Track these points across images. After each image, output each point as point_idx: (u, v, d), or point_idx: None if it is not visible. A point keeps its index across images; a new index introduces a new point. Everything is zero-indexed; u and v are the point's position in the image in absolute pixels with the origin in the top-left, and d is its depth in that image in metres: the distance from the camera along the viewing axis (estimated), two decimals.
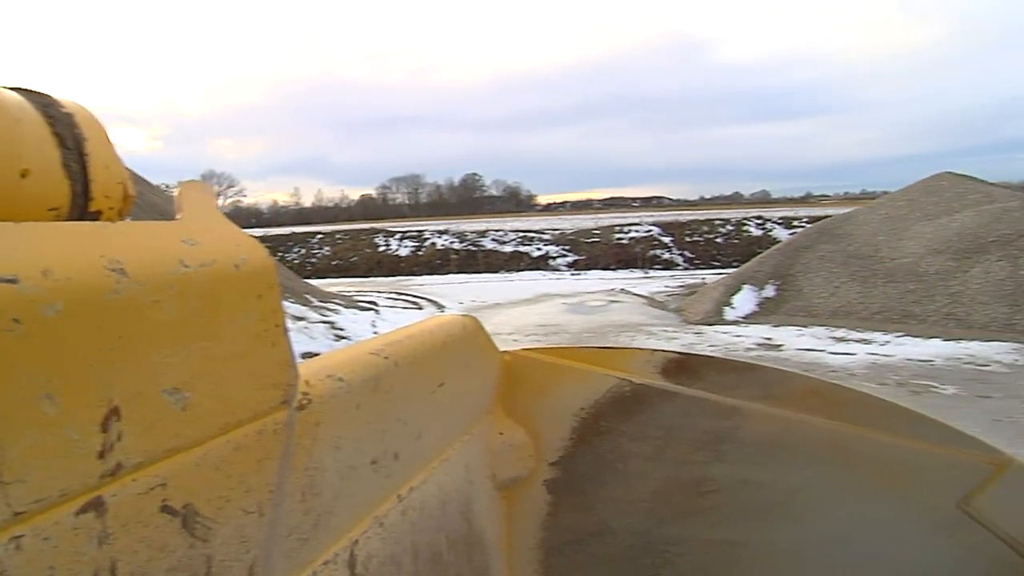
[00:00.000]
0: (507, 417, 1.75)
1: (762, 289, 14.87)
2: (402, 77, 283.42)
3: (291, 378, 0.92)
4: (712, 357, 1.75)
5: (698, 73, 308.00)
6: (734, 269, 19.03)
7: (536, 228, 30.31)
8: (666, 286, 20.34)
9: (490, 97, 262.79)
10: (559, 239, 27.92)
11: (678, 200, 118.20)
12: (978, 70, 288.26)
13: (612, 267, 25.41)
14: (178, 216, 0.83)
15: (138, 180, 15.47)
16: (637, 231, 27.23)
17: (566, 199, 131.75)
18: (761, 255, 17.02)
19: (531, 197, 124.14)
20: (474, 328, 1.60)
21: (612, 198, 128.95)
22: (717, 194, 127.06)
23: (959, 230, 14.41)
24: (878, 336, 11.94)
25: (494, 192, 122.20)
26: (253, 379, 0.85)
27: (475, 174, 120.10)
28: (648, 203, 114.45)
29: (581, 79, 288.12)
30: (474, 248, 28.74)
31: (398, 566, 1.27)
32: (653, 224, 28.20)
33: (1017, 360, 9.98)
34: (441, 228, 32.58)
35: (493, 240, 28.89)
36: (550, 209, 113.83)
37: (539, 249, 27.21)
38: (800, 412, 1.64)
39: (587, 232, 28.26)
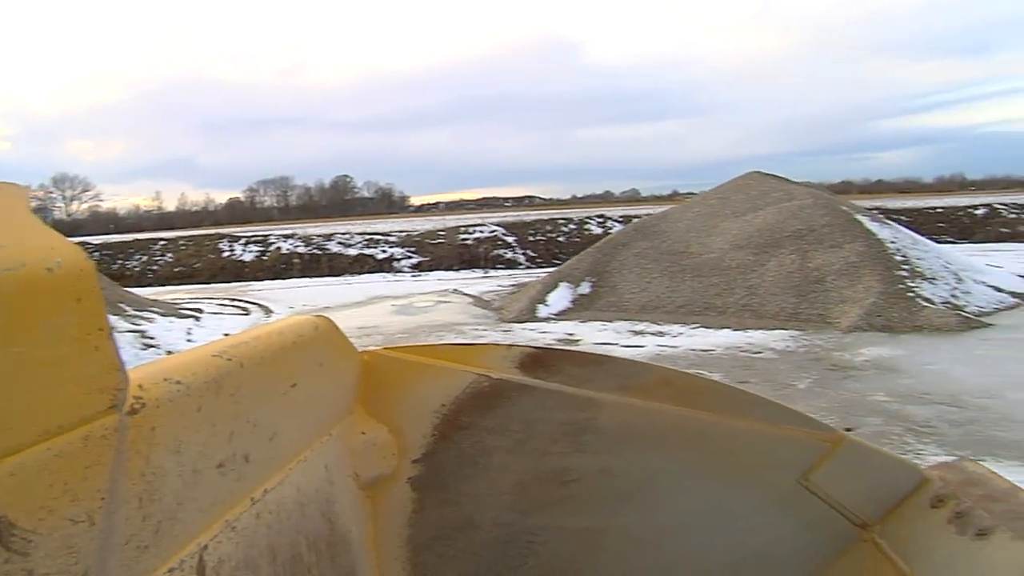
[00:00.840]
0: (369, 416, 1.73)
1: (578, 286, 15.13)
2: (271, 76, 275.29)
3: (119, 382, 0.88)
4: (568, 351, 1.78)
5: (569, 74, 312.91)
6: None
7: (383, 231, 29.99)
8: (499, 285, 20.48)
9: (362, 97, 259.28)
10: (405, 241, 27.66)
11: (550, 199, 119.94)
12: (830, 77, 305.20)
13: (455, 268, 25.40)
14: None
15: None
16: (481, 232, 27.29)
17: (439, 200, 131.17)
18: (581, 253, 17.35)
19: (404, 198, 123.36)
20: (327, 328, 1.56)
21: (485, 198, 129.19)
22: (589, 193, 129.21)
23: (760, 226, 15.09)
24: (676, 328, 12.34)
25: (366, 194, 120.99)
26: (75, 384, 0.81)
27: (346, 176, 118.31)
28: (520, 202, 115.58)
29: (454, 80, 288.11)
30: (319, 252, 28.16)
31: (253, 570, 1.22)
32: (497, 224, 28.38)
33: (788, 347, 10.49)
34: (287, 232, 31.79)
35: (339, 243, 28.38)
36: (423, 210, 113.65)
37: (384, 251, 26.90)
38: (653, 401, 1.70)
39: (432, 234, 28.12)
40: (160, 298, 20.92)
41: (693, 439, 1.71)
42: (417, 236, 28.18)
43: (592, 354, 1.78)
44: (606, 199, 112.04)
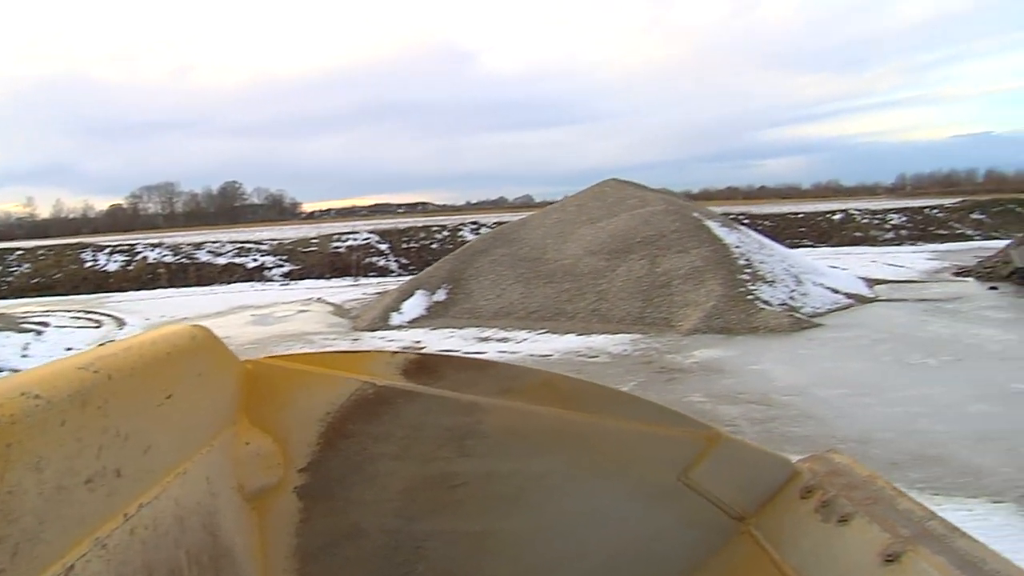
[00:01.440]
0: (253, 426, 1.67)
1: (434, 294, 15.04)
2: (158, 78, 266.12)
3: None
4: (452, 356, 1.76)
5: (465, 81, 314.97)
6: None
7: (254, 239, 29.20)
8: (364, 293, 20.21)
9: (255, 101, 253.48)
10: (276, 249, 26.96)
11: (443, 205, 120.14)
12: (717, 87, 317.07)
13: (327, 276, 24.94)
14: None
15: None
16: (355, 239, 26.93)
17: (331, 207, 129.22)
18: (441, 260, 17.29)
19: (296, 205, 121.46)
20: (205, 338, 1.52)
21: (377, 204, 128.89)
22: (483, 199, 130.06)
23: (613, 232, 15.34)
24: (523, 334, 12.37)
25: (256, 200, 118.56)
26: None
27: (235, 182, 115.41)
28: (413, 208, 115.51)
29: (350, 86, 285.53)
30: (187, 261, 27.20)
31: None
32: (372, 232, 28.04)
33: (625, 350, 10.65)
34: (155, 241, 30.60)
35: (208, 252, 27.49)
36: (314, 217, 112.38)
37: (255, 260, 26.18)
38: (536, 404, 1.71)
39: (305, 242, 27.55)
40: (8, 312, 19.92)
41: (576, 440, 1.74)
42: (289, 244, 27.54)
43: (475, 359, 1.77)
44: (500, 205, 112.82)
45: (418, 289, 15.26)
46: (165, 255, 28.25)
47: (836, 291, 14.64)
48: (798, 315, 12.23)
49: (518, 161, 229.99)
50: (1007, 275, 17.20)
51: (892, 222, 31.40)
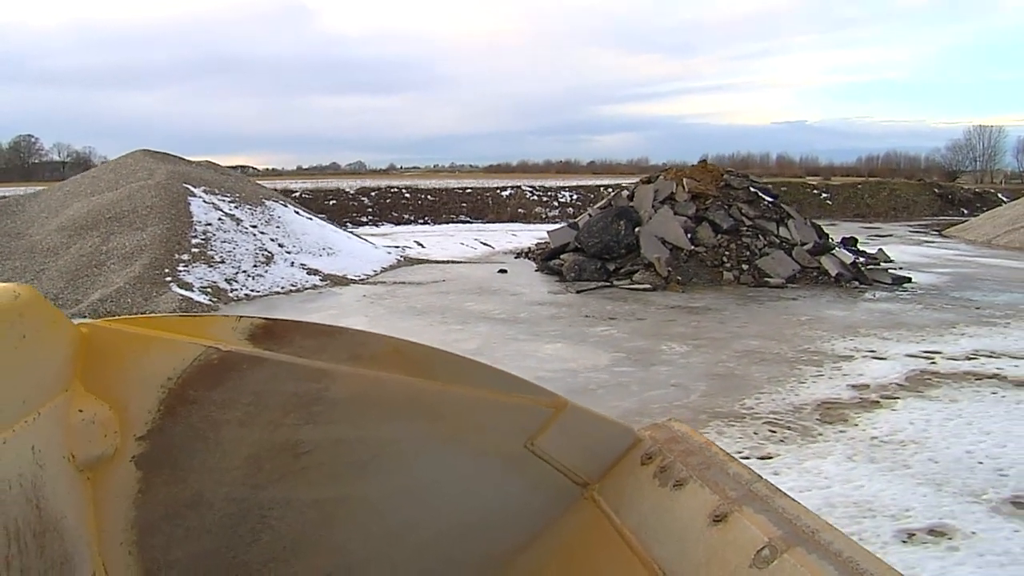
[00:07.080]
0: (88, 393, 1.57)
1: None
2: None
3: None
4: (299, 322, 1.73)
5: (299, 39, 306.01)
6: None
7: None
8: None
9: (59, 48, 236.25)
10: None
11: (270, 169, 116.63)
12: (553, 60, 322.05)
13: None
14: None
15: None
16: None
17: None
18: None
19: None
20: (30, 298, 1.39)
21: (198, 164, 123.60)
22: (316, 164, 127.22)
23: (94, 207, 14.86)
24: None
25: (56, 157, 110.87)
26: None
27: (29, 136, 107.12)
28: (234, 172, 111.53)
29: (177, 36, 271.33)
30: None
31: None
32: None
33: None
34: None
35: None
36: None
37: None
38: (384, 371, 1.71)
39: None
40: None
41: (425, 407, 1.75)
42: None
43: (323, 325, 1.75)
44: (332, 170, 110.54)
45: None
46: None
47: (316, 272, 14.74)
48: (205, 300, 12.14)
49: (352, 125, 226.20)
50: (547, 256, 17.88)
51: (562, 199, 32.44)
